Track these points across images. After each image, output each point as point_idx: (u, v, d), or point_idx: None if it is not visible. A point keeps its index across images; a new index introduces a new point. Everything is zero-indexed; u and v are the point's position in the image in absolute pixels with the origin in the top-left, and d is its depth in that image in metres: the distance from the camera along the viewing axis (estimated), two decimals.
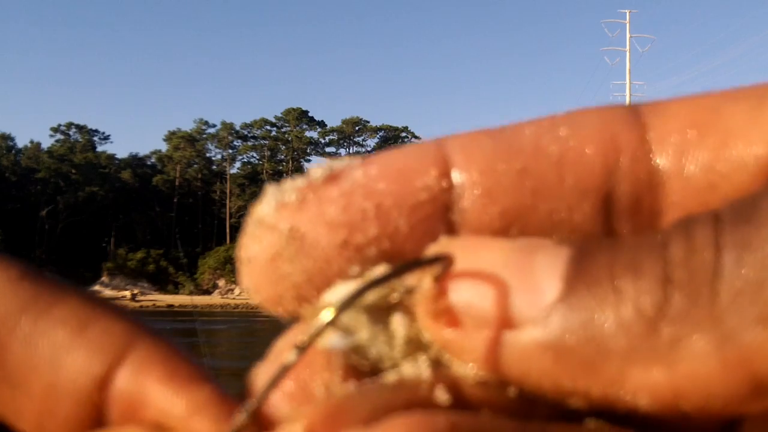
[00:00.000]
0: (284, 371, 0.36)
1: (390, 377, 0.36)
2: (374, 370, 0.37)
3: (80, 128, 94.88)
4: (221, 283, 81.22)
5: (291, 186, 0.40)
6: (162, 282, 79.43)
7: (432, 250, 0.38)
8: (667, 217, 0.39)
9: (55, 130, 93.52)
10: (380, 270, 0.37)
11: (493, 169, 0.38)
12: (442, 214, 0.39)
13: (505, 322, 0.34)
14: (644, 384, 0.32)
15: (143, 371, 0.42)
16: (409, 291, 0.36)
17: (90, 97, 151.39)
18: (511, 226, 0.39)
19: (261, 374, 0.39)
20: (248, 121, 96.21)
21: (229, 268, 79.19)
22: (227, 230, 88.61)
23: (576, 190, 0.39)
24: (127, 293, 69.75)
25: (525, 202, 0.38)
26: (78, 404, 0.41)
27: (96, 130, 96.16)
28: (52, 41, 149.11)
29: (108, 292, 74.09)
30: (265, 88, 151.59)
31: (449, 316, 0.35)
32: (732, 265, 0.31)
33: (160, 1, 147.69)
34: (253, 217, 0.40)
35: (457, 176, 0.39)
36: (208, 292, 79.67)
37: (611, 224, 0.40)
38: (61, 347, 0.41)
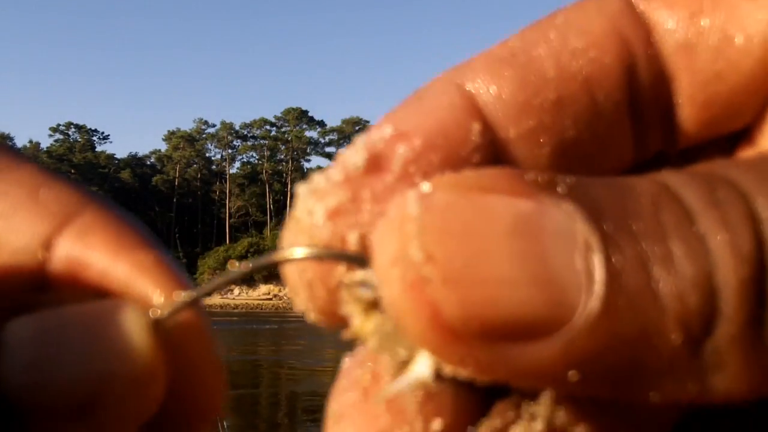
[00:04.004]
0: (228, 282, 0.39)
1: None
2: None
3: (79, 128, 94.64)
4: None
5: (327, 183, 0.36)
6: None
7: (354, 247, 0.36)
8: (682, 112, 0.39)
9: (54, 129, 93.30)
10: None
11: (530, 107, 0.37)
12: (493, 164, 0.37)
13: (517, 332, 0.30)
14: (671, 393, 0.31)
15: (88, 235, 0.42)
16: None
17: (89, 96, 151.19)
18: (561, 162, 0.37)
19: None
20: (248, 121, 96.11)
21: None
22: (227, 230, 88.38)
23: (608, 106, 0.37)
24: None
25: (569, 134, 0.37)
26: (23, 259, 0.43)
27: (95, 130, 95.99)
28: (51, 41, 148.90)
29: None
30: (265, 88, 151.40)
31: (440, 323, 0.30)
32: None
33: (161, 1, 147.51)
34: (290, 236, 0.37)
35: (499, 126, 0.37)
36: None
37: (642, 133, 0.39)
38: (12, 206, 0.43)
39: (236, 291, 79.18)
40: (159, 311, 0.40)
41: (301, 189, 0.37)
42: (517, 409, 0.34)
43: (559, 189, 0.31)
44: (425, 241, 0.30)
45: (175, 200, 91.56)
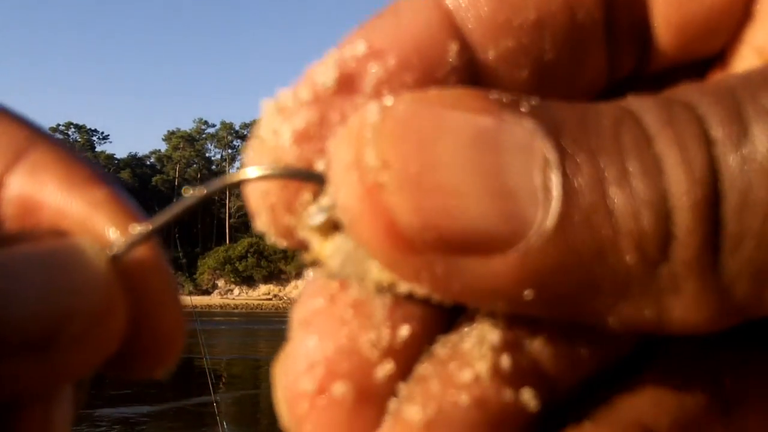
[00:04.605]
0: (182, 208, 0.39)
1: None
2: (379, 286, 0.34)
3: (79, 128, 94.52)
4: (221, 283, 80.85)
5: (295, 101, 0.34)
6: None
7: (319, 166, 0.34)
8: (657, 34, 0.38)
9: (54, 130, 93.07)
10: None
11: (510, 28, 0.35)
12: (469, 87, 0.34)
13: (472, 245, 0.29)
14: (627, 318, 0.30)
15: (39, 172, 0.41)
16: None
17: (89, 96, 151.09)
18: (539, 84, 0.36)
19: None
20: (248, 121, 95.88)
21: (228, 268, 78.89)
22: (227, 230, 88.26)
23: (587, 25, 0.36)
24: None
25: (548, 56, 0.36)
26: None
27: (95, 130, 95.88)
28: (50, 41, 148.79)
29: None
30: (265, 88, 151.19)
31: (394, 231, 0.30)
32: (730, 210, 0.29)
33: (160, 1, 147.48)
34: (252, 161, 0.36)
35: (478, 48, 0.35)
36: (207, 293, 79.30)
37: (617, 54, 0.38)
38: None
39: (236, 291, 79.06)
40: (116, 246, 0.39)
41: (267, 105, 0.35)
42: (473, 323, 0.34)
43: (522, 108, 0.30)
44: (382, 147, 0.30)
45: (175, 200, 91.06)
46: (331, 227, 0.34)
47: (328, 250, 0.35)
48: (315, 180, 0.34)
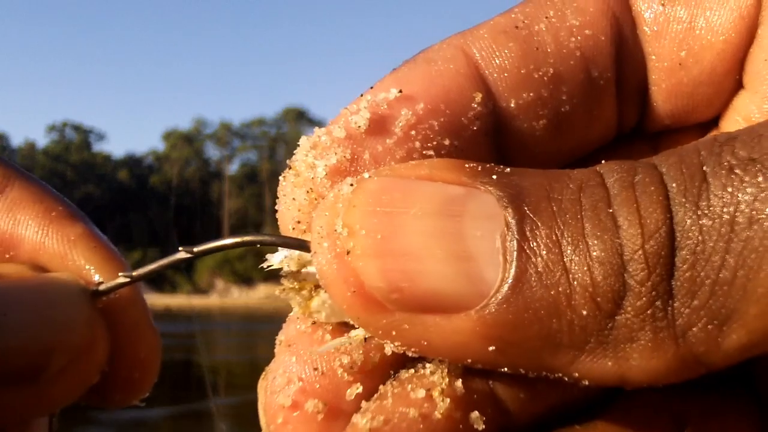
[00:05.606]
0: (170, 263, 0.41)
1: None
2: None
3: (76, 127, 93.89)
4: (219, 284, 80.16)
5: (329, 139, 0.37)
6: (159, 283, 78.39)
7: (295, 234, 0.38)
8: (651, 95, 0.40)
9: (51, 129, 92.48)
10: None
11: (531, 80, 0.38)
12: (491, 133, 0.38)
13: (435, 305, 0.32)
14: (591, 371, 0.32)
15: (16, 209, 0.43)
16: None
17: (86, 95, 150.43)
18: (555, 134, 0.39)
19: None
20: (246, 121, 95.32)
21: (227, 268, 78.26)
22: (225, 230, 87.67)
23: (601, 82, 0.39)
24: None
25: (565, 108, 0.38)
26: None
27: (92, 129, 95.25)
28: (47, 39, 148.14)
29: None
30: (264, 88, 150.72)
31: (362, 293, 0.33)
32: (684, 262, 0.30)
33: (158, 0, 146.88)
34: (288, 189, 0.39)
35: (501, 97, 0.38)
36: (206, 293, 78.61)
37: (623, 110, 0.41)
38: None
39: (235, 292, 78.35)
40: (99, 285, 0.41)
41: (303, 141, 0.38)
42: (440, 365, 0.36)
43: (494, 176, 0.32)
44: (350, 217, 0.32)
45: (173, 200, 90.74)
46: (316, 285, 0.38)
47: (314, 304, 0.38)
48: (300, 247, 0.38)
